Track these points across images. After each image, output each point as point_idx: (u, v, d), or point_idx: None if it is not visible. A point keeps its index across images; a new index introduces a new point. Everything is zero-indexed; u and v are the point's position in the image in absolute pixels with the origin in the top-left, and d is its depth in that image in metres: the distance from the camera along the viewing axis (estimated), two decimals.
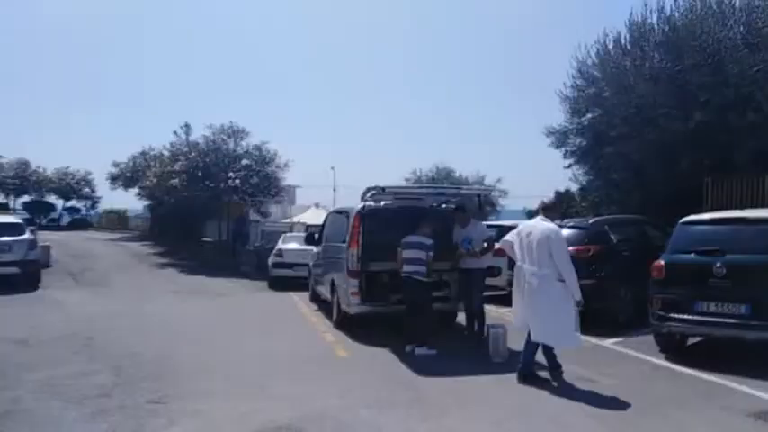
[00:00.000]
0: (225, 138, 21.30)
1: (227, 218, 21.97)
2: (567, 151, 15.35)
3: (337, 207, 10.96)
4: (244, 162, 21.26)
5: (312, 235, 12.21)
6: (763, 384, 5.56)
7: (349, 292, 8.08)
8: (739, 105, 10.90)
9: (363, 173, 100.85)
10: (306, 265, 13.92)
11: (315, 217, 24.43)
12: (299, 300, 12.33)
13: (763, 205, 10.25)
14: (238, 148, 21.48)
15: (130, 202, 41.56)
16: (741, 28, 11.41)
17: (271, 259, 15.31)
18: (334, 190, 42.28)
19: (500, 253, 8.10)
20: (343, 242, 8.50)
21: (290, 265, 14.71)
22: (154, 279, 16.78)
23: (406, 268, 7.32)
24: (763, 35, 11.23)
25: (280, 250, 15.11)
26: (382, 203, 8.38)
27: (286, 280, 14.79)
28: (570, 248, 8.48)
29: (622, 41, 13.71)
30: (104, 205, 47.62)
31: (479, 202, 7.89)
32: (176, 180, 20.03)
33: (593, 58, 14.42)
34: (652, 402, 5.21)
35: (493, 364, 6.48)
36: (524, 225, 6.19)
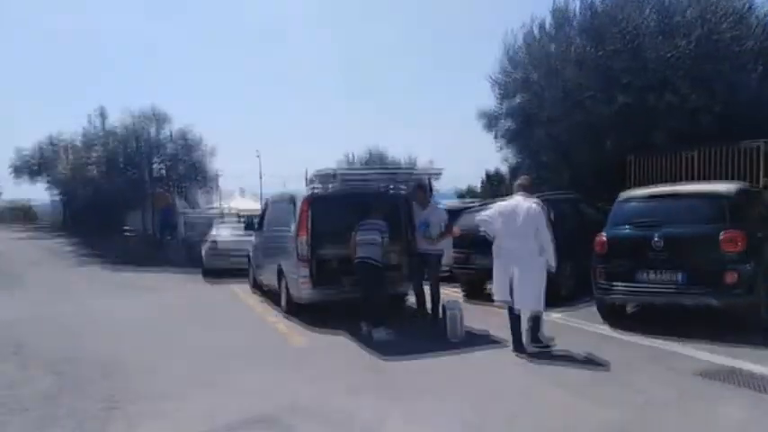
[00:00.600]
0: (146, 123, 20.16)
1: (153, 208, 20.91)
2: (497, 133, 15.75)
3: (279, 193, 10.67)
4: (169, 149, 20.23)
5: (252, 222, 11.90)
6: (702, 346, 5.98)
7: (299, 279, 7.93)
8: (657, 88, 11.57)
9: (289, 158, 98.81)
10: (243, 254, 13.62)
11: (240, 204, 23.73)
12: (239, 290, 11.98)
13: (681, 180, 10.99)
14: (161, 135, 20.42)
15: (34, 193, 38.77)
16: (656, 15, 12.05)
17: (204, 249, 14.77)
18: (261, 177, 41.47)
19: (448, 234, 8.23)
20: (291, 229, 8.33)
21: (226, 255, 14.27)
22: (75, 276, 15.74)
23: (361, 252, 7.30)
24: (674, 24, 11.96)
25: (214, 240, 14.59)
26: (330, 188, 8.24)
27: (222, 270, 14.36)
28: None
29: (547, 27, 14.17)
30: (5, 198, 44.03)
31: (429, 184, 7.93)
32: (94, 170, 18.76)
33: (521, 42, 14.83)
34: (608, 369, 5.47)
35: (451, 344, 6.56)
36: (504, 203, 6.39)
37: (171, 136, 20.40)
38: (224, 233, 14.99)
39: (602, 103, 12.11)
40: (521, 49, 14.80)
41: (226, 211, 21.04)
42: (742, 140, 10.80)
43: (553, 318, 7.76)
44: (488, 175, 17.87)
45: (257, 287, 11.44)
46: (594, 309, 7.94)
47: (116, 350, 6.86)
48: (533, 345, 6.13)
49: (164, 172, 20.19)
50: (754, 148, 10.42)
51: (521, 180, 6.63)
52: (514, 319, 6.13)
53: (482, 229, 6.55)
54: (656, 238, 6.74)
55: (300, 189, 9.48)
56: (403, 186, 8.73)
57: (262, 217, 11.23)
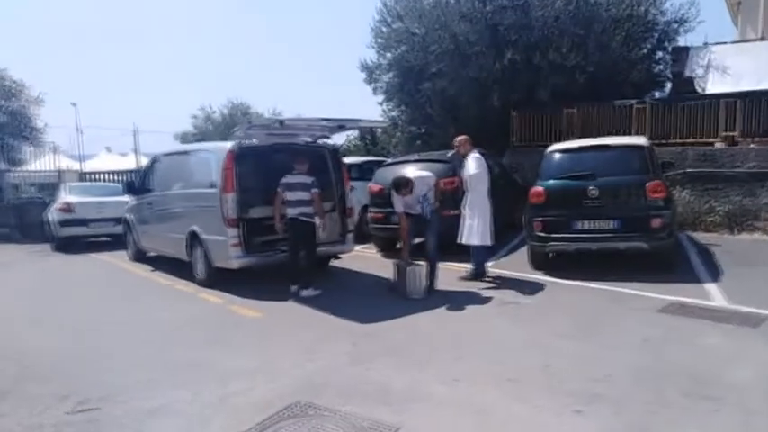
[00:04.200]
0: None
1: None
2: (377, 87, 15.55)
3: (177, 147, 9.40)
4: None
5: (132, 183, 10.40)
6: (637, 286, 6.57)
7: (229, 243, 7.10)
8: (542, 46, 12.25)
9: (112, 112, 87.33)
10: (106, 220, 12.13)
11: (51, 163, 20.23)
12: (117, 261, 10.49)
13: (562, 136, 11.87)
14: None
15: None
16: None
17: (54, 216, 12.59)
18: (80, 131, 36.56)
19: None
20: (210, 187, 7.38)
21: (85, 222, 12.39)
22: None
23: (292, 211, 6.92)
24: None
25: (68, 204, 12.49)
26: (255, 141, 7.41)
27: (76, 240, 12.47)
28: (441, 181, 8.81)
29: None
30: None
31: (374, 135, 7.44)
32: None
33: None
34: (584, 314, 5.75)
35: (419, 302, 6.39)
36: (479, 157, 7.29)
37: None
38: (78, 196, 12.91)
39: (490, 59, 12.50)
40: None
41: (65, 170, 18.12)
42: (612, 100, 11.96)
43: (487, 269, 7.91)
44: (362, 133, 17.52)
45: (140, 257, 10.11)
46: (511, 257, 8.53)
47: (18, 340, 5.54)
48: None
49: None
50: (627, 106, 11.59)
51: (467, 138, 7.59)
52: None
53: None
54: (591, 188, 7.16)
55: (204, 144, 8.48)
56: (330, 138, 8.23)
57: (144, 177, 9.84)
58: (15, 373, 4.59)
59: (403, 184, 6.71)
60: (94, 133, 70.94)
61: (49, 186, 18.08)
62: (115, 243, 11.87)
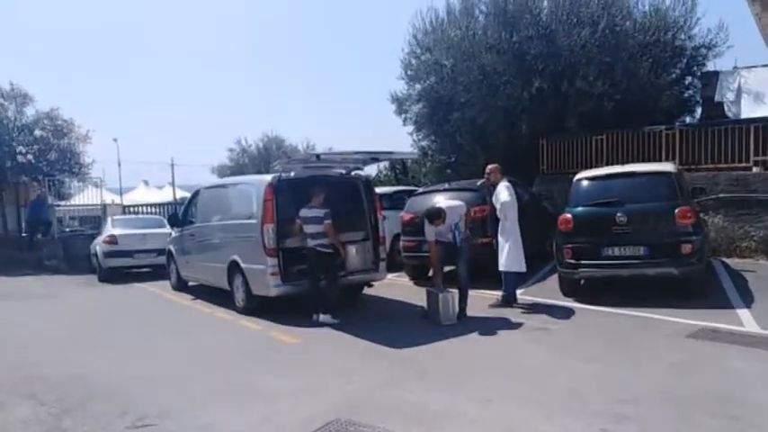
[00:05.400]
0: (2, 102, 17.36)
1: (17, 202, 18.22)
2: (406, 117, 15.97)
3: (218, 181, 9.88)
4: (37, 133, 17.57)
5: (175, 215, 10.92)
6: (668, 311, 6.63)
7: (267, 272, 7.43)
8: (569, 74, 12.48)
9: (149, 147, 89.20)
10: (149, 251, 12.70)
11: (94, 197, 21.03)
12: (161, 290, 10.93)
13: (591, 163, 12.00)
14: (22, 117, 17.70)
15: None
16: (567, 4, 12.90)
17: (100, 248, 13.20)
18: (120, 165, 38.10)
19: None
20: (250, 218, 7.77)
21: (129, 253, 12.97)
22: None
23: (311, 242, 7.27)
24: (581, 14, 12.93)
25: (113, 236, 13.10)
26: (292, 174, 7.80)
27: (121, 271, 13.05)
28: (471, 209, 9.04)
29: (457, 13, 14.59)
30: None
31: (405, 167, 7.78)
32: None
33: (428, 26, 15.15)
34: (612, 339, 5.85)
35: (449, 328, 6.58)
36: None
37: (37, 118, 17.79)
38: (123, 228, 13.55)
39: (518, 88, 12.77)
40: (428, 32, 15.13)
41: (109, 204, 19.00)
42: (641, 126, 12.06)
43: (518, 296, 8.00)
44: (392, 163, 17.91)
45: (181, 286, 10.55)
46: (541, 284, 8.72)
47: (78, 364, 5.93)
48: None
49: (30, 158, 17.44)
50: (656, 132, 11.67)
51: (498, 167, 7.86)
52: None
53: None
54: (619, 215, 7.28)
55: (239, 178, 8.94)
56: (362, 170, 8.56)
57: (186, 209, 10.35)
58: (79, 393, 4.94)
59: (436, 215, 6.96)
60: (131, 167, 73.79)
61: (91, 219, 18.97)
62: (158, 273, 12.38)
